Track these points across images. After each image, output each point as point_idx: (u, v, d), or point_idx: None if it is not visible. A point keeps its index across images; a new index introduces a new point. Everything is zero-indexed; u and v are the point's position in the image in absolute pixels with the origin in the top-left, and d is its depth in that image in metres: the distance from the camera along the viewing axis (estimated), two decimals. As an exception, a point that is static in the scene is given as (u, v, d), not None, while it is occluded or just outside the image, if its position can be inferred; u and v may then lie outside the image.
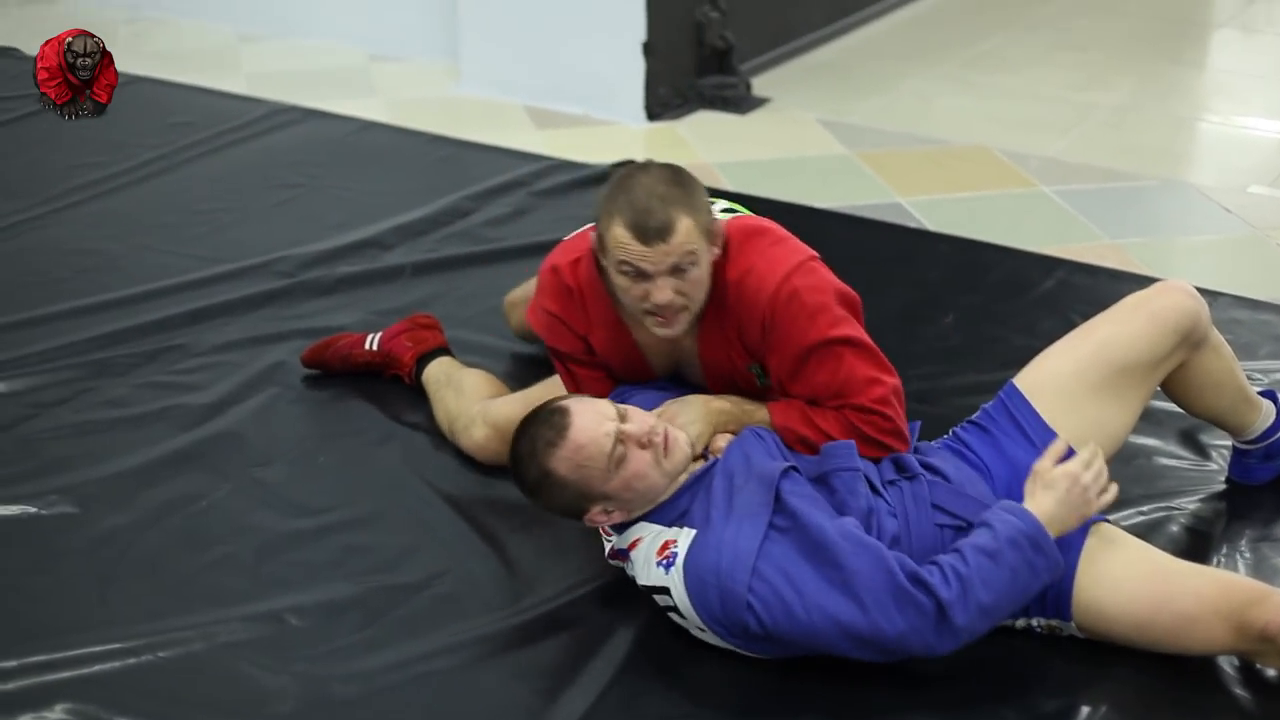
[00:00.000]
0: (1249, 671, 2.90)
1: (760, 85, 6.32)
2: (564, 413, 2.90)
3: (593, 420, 2.88)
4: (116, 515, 3.44)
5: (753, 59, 6.41)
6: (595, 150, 5.57)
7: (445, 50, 6.50)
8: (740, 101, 6.13)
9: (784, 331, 3.02)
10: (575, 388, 3.30)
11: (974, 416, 3.19)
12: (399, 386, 3.92)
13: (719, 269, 3.04)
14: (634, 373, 3.26)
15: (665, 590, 2.88)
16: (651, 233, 2.90)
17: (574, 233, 3.31)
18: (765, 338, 3.05)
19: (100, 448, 3.69)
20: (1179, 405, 3.35)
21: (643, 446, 2.89)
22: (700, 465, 2.99)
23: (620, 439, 2.86)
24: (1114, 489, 2.88)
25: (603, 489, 2.88)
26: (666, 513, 2.94)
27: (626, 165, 3.07)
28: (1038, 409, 3.09)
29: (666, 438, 2.92)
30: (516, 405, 3.47)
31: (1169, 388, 3.27)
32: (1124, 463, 3.52)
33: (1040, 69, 6.66)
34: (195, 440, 3.72)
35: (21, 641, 3.03)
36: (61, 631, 3.06)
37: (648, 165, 3.02)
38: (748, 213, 3.25)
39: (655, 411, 3.06)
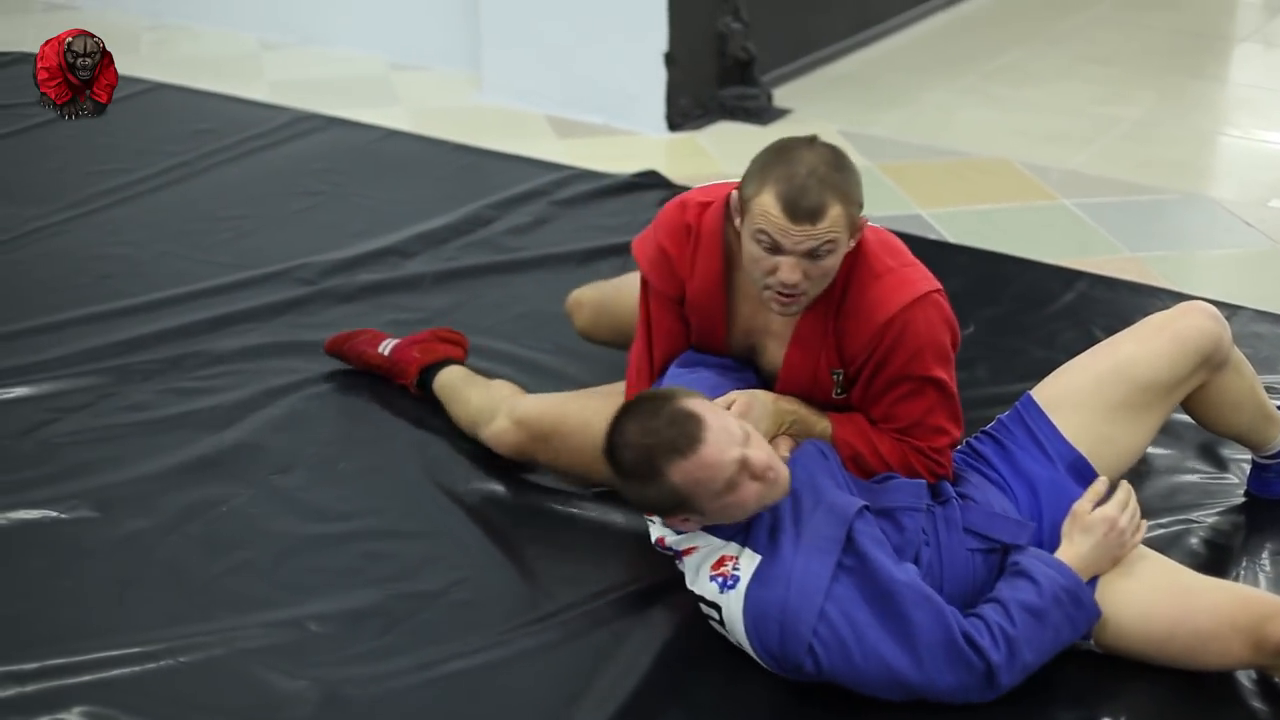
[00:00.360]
0: (1267, 685, 2.90)
1: (782, 96, 6.33)
2: (697, 421, 2.75)
3: (724, 440, 2.74)
4: (137, 520, 3.45)
5: (774, 70, 6.41)
6: (616, 160, 5.58)
7: (467, 59, 6.51)
8: (762, 112, 6.14)
9: (889, 352, 2.97)
10: (645, 332, 3.25)
11: (988, 427, 3.19)
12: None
13: (844, 267, 2.98)
14: (709, 337, 3.18)
15: (716, 606, 2.85)
16: (803, 212, 2.83)
17: (714, 183, 3.24)
18: (870, 353, 3.00)
19: (121, 453, 3.70)
20: (1199, 423, 3.35)
21: (755, 478, 2.77)
22: None
23: (742, 466, 2.76)
24: (1144, 527, 2.91)
25: (704, 506, 2.78)
26: (729, 528, 2.86)
27: (788, 139, 2.95)
28: (1054, 423, 3.09)
29: (779, 473, 2.81)
30: (547, 404, 3.45)
31: (1189, 406, 3.26)
32: (1143, 476, 3.53)
33: (1062, 82, 6.66)
34: (216, 446, 3.73)
35: (41, 644, 3.03)
36: (81, 635, 3.07)
37: (813, 141, 2.93)
38: None
39: (721, 401, 2.95)
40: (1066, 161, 5.68)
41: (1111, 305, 4.37)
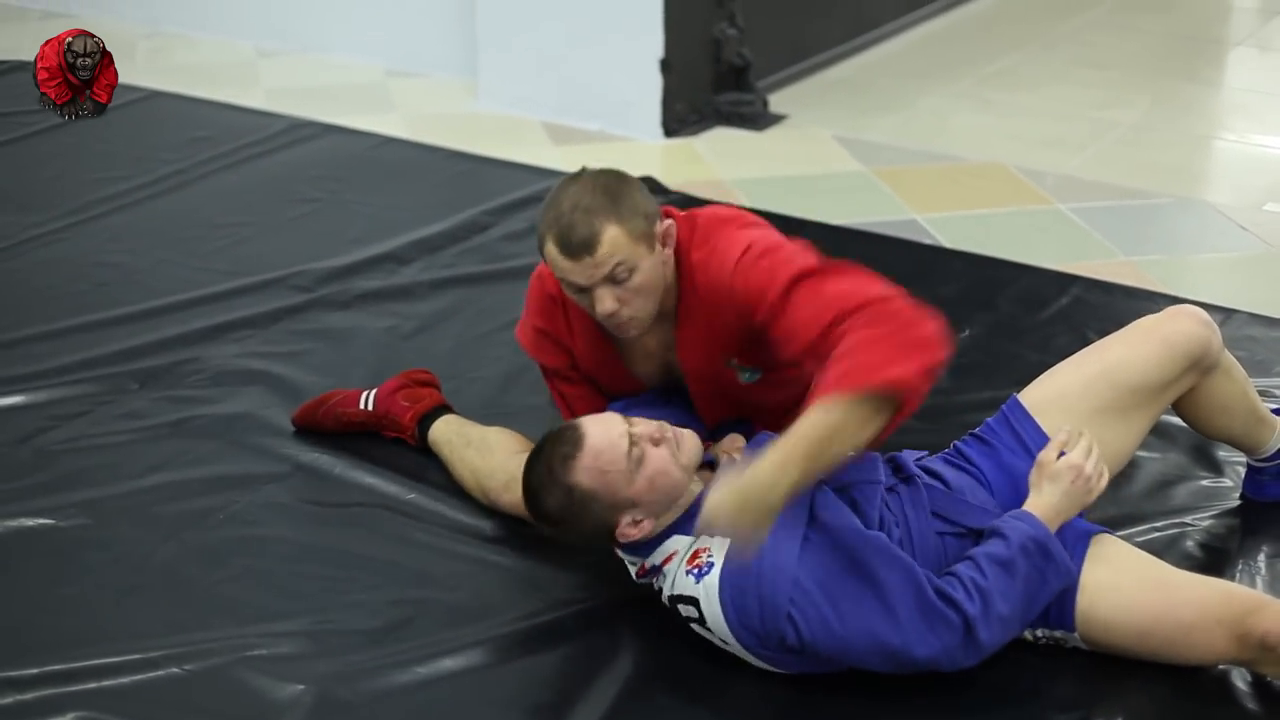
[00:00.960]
0: (1262, 686, 2.90)
1: (777, 102, 6.34)
2: (573, 428, 2.90)
3: (604, 427, 2.88)
4: (134, 528, 3.45)
5: (770, 76, 6.42)
6: (612, 166, 5.57)
7: (464, 66, 6.52)
8: (757, 118, 6.15)
9: (755, 302, 2.92)
10: (566, 408, 3.31)
11: (975, 430, 3.20)
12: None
13: (684, 263, 3.01)
14: (620, 384, 3.24)
15: (693, 601, 2.87)
16: (576, 247, 2.88)
17: None
18: (737, 327, 2.99)
19: (119, 460, 3.71)
20: (1191, 427, 3.36)
21: (655, 443, 2.87)
22: (709, 476, 2.96)
23: (634, 440, 2.85)
24: (1106, 476, 2.93)
25: (629, 493, 2.85)
26: (694, 523, 2.88)
27: (560, 182, 3.02)
28: (1041, 425, 3.10)
29: (675, 433, 2.91)
30: None
31: (1181, 410, 3.28)
32: (1138, 479, 3.54)
33: (1057, 86, 6.67)
34: (213, 453, 3.74)
35: (40, 651, 3.04)
36: (80, 643, 3.07)
37: (580, 174, 3.00)
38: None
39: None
40: (1062, 166, 5.69)
41: (1107, 310, 4.38)
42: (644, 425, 2.89)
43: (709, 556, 2.86)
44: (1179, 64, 7.06)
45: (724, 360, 3.10)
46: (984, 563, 2.80)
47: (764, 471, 2.66)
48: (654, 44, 5.89)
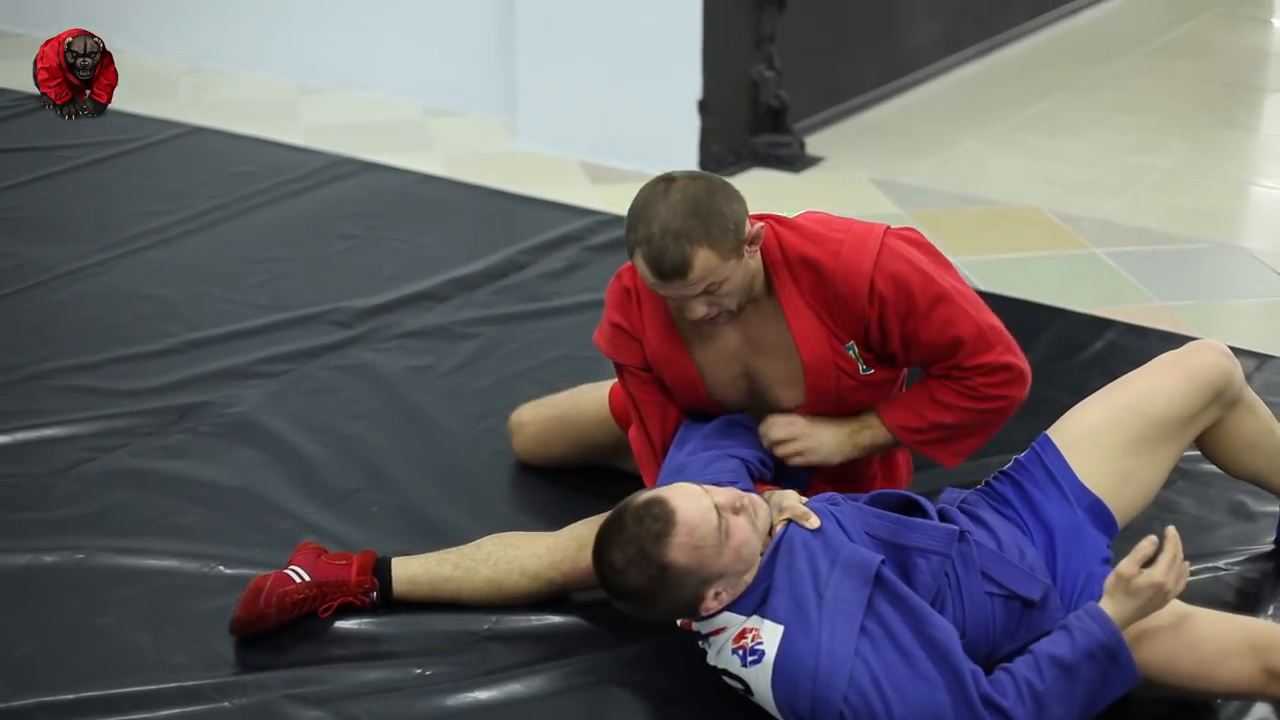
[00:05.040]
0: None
1: (814, 144, 6.36)
2: (660, 502, 2.78)
3: (691, 500, 2.78)
4: (172, 559, 3.47)
5: (807, 118, 6.45)
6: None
7: (502, 105, 6.57)
8: (794, 160, 6.17)
9: (884, 311, 3.03)
10: (634, 411, 3.27)
11: (1006, 468, 3.19)
12: (444, 429, 4.00)
13: (788, 251, 3.04)
14: (689, 389, 3.19)
15: (740, 679, 2.84)
16: (668, 272, 2.87)
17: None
18: (870, 319, 3.04)
19: (155, 493, 3.74)
20: (1219, 467, 3.35)
21: (736, 512, 2.81)
22: (768, 543, 2.90)
23: (719, 510, 2.79)
24: (1187, 573, 2.83)
25: (718, 566, 2.77)
26: (746, 601, 2.84)
27: (648, 187, 2.95)
28: (1071, 461, 3.09)
29: (750, 500, 2.86)
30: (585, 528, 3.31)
31: (1208, 450, 3.28)
32: (1170, 524, 3.52)
33: (1093, 131, 6.68)
34: (250, 486, 3.77)
35: (78, 678, 3.07)
36: (117, 671, 3.10)
37: (670, 188, 2.91)
38: None
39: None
40: (1097, 210, 5.69)
41: (1142, 354, 4.33)
42: (724, 495, 2.82)
43: (758, 642, 2.80)
44: (1215, 109, 7.06)
45: (844, 345, 3.09)
46: (1045, 664, 2.75)
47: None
48: (692, 85, 5.93)
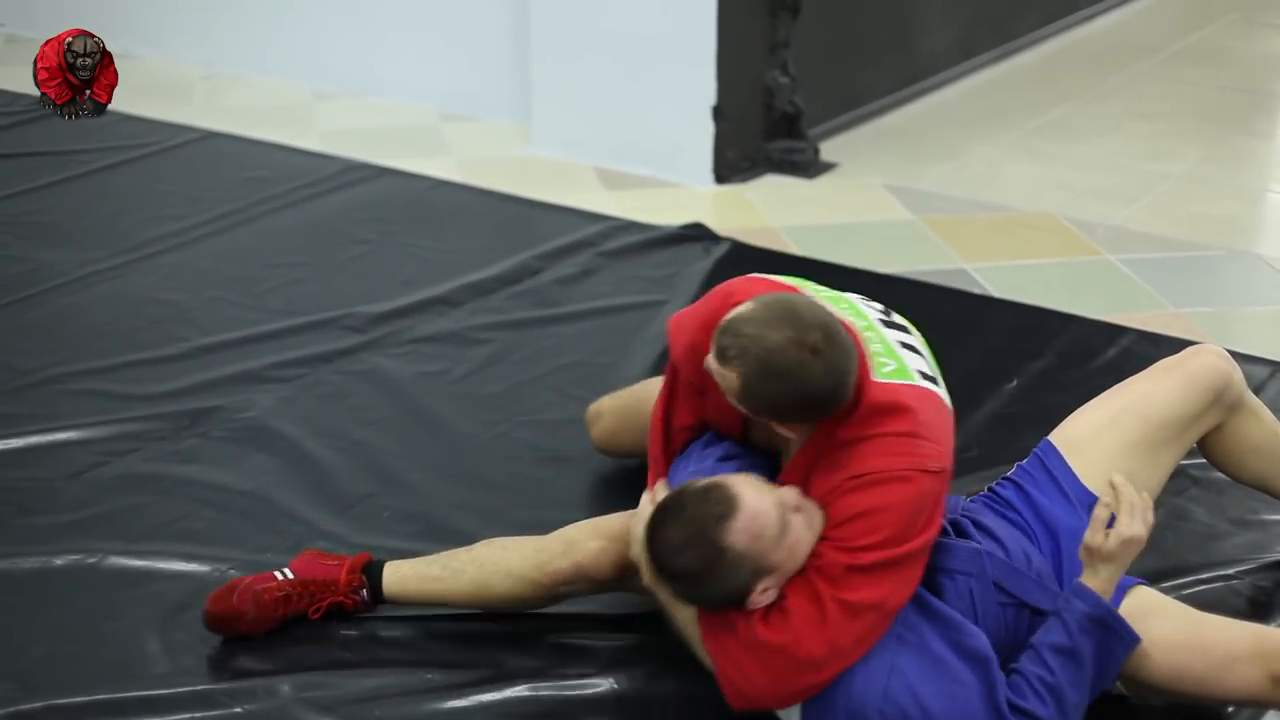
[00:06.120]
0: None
1: (828, 150, 6.36)
2: (723, 487, 2.76)
3: (754, 490, 2.76)
4: (183, 563, 3.48)
5: (821, 124, 6.44)
6: (663, 212, 5.62)
7: (517, 111, 6.57)
8: (808, 166, 6.17)
9: (842, 505, 2.83)
10: (666, 405, 3.21)
11: (1010, 473, 3.20)
12: (457, 435, 4.00)
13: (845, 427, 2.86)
14: (727, 422, 3.13)
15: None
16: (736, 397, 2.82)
17: (761, 276, 3.14)
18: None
19: (168, 497, 3.75)
20: (1224, 473, 3.37)
21: (795, 510, 2.78)
22: None
23: (781, 504, 2.77)
24: (1152, 510, 2.85)
25: (773, 560, 2.75)
26: None
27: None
28: (1073, 464, 3.10)
29: (807, 503, 2.82)
30: (625, 518, 3.23)
31: (1212, 454, 3.30)
32: (1182, 532, 3.54)
33: (1108, 138, 6.67)
34: (262, 490, 3.78)
35: (89, 681, 3.08)
36: (128, 675, 3.11)
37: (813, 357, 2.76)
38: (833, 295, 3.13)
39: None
40: (1112, 217, 5.68)
41: (1155, 361, 4.35)
42: (786, 492, 2.81)
43: None
44: (1230, 116, 7.05)
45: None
46: (1048, 655, 2.77)
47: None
48: (707, 91, 5.92)
